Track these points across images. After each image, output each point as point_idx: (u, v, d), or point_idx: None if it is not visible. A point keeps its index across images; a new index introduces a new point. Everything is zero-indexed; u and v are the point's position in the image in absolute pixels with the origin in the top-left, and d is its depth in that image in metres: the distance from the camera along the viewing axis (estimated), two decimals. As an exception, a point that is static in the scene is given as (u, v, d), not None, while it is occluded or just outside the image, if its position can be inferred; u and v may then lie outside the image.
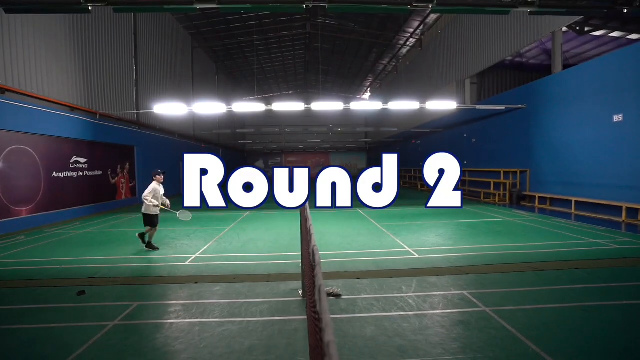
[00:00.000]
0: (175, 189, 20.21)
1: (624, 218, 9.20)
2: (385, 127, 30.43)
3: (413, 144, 26.91)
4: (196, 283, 4.89)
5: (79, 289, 4.63)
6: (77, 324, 3.68)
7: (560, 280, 4.74)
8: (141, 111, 15.53)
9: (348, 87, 41.19)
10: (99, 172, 12.98)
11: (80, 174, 11.90)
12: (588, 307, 3.85)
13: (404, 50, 28.17)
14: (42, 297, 4.46)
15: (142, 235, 6.85)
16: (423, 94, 23.91)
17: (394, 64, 31.45)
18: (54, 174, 10.62)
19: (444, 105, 14.57)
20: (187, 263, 5.97)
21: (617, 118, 9.72)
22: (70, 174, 11.35)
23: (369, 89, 41.35)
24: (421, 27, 23.74)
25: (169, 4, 6.70)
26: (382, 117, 36.16)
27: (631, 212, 9.29)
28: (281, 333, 3.39)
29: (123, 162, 14.64)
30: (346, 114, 44.51)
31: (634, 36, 15.68)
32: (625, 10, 6.70)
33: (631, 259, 5.67)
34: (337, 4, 6.65)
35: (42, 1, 6.36)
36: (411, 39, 25.74)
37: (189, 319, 3.75)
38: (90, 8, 6.43)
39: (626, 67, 9.44)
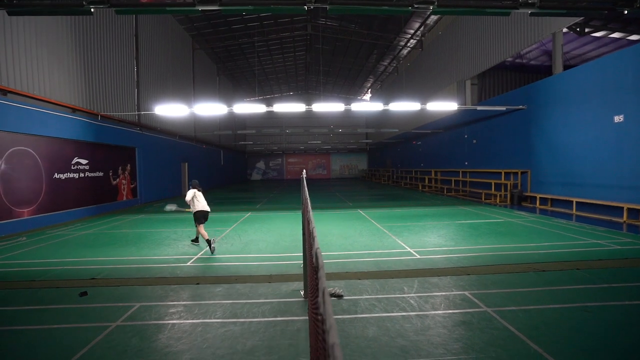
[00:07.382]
0: (177, 191, 20.34)
1: (625, 219, 9.20)
2: (386, 128, 30.46)
3: (414, 145, 26.91)
4: (198, 284, 4.90)
5: (81, 290, 4.65)
6: (80, 325, 3.69)
7: (561, 280, 4.75)
8: (142, 112, 15.56)
9: (349, 88, 41.23)
10: (100, 174, 13.01)
11: (82, 175, 11.92)
12: (589, 308, 3.85)
13: (405, 52, 28.22)
14: (44, 298, 4.48)
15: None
16: (424, 95, 23.94)
17: (394, 65, 31.49)
18: (56, 175, 10.65)
19: (444, 106, 14.58)
20: (189, 264, 5.98)
21: (617, 119, 9.73)
22: (71, 175, 11.38)
23: (369, 90, 41.38)
24: (422, 28, 23.77)
25: (171, 5, 6.70)
26: (382, 118, 36.20)
27: (632, 212, 9.28)
28: (283, 333, 3.40)
29: (124, 164, 14.67)
30: (347, 115, 44.63)
31: (634, 37, 15.68)
32: (626, 12, 6.69)
33: (632, 260, 5.67)
34: (338, 5, 6.66)
35: (45, 3, 6.38)
36: (412, 40, 25.78)
37: (191, 319, 3.77)
38: (92, 10, 6.45)
39: (627, 68, 9.45)
